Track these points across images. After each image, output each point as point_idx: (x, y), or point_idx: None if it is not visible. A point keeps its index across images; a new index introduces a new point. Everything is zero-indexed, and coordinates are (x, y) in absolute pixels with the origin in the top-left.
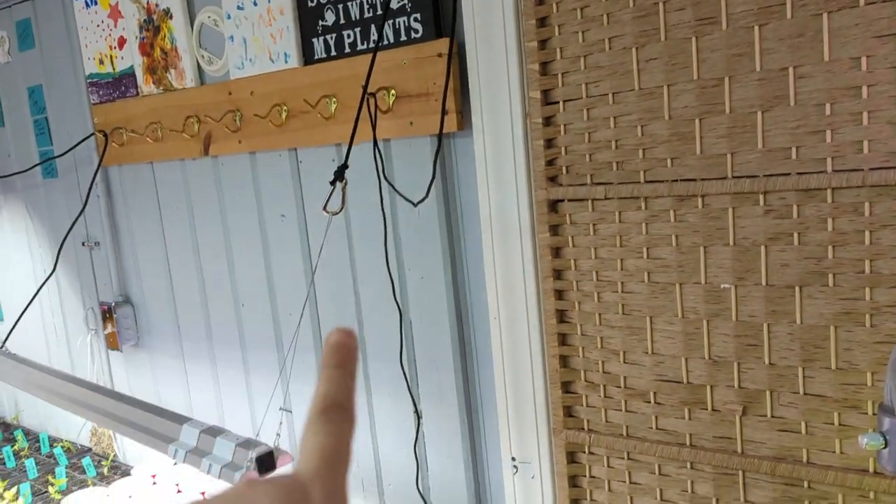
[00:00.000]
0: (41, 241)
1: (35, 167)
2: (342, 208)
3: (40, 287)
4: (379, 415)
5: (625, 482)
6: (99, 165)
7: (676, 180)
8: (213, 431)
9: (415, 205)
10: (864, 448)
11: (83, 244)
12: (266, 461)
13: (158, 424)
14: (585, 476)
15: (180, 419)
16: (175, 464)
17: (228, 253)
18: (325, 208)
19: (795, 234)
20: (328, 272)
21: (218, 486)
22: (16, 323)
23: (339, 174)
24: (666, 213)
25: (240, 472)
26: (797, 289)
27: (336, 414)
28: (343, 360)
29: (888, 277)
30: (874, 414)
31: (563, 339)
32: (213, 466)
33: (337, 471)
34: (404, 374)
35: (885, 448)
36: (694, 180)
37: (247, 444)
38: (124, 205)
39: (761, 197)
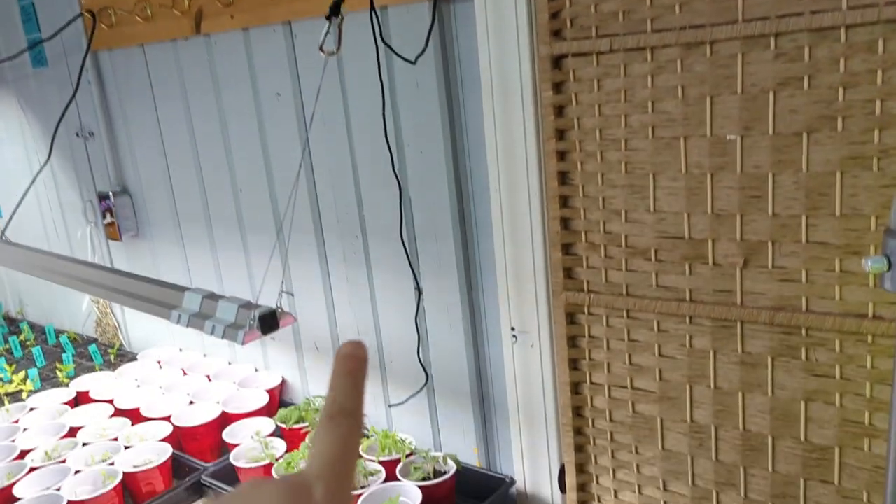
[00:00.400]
0: (35, 132)
1: (23, 54)
2: (339, 48)
3: (35, 176)
4: (380, 291)
5: (623, 340)
6: (88, 49)
7: (685, 27)
8: (215, 297)
9: (413, 62)
10: (868, 271)
11: (77, 135)
12: (269, 320)
13: (161, 294)
14: (584, 336)
15: (182, 288)
16: (180, 350)
17: (225, 137)
18: (321, 48)
19: (806, 78)
20: (326, 151)
21: (223, 368)
22: (14, 211)
23: (335, 9)
24: (673, 63)
25: (242, 332)
26: (805, 135)
27: (343, 420)
28: (353, 369)
29: None
30: None
31: (564, 202)
32: (216, 327)
33: (341, 473)
34: (405, 248)
35: (888, 271)
36: (703, 26)
37: (249, 305)
38: (117, 92)
39: (772, 40)
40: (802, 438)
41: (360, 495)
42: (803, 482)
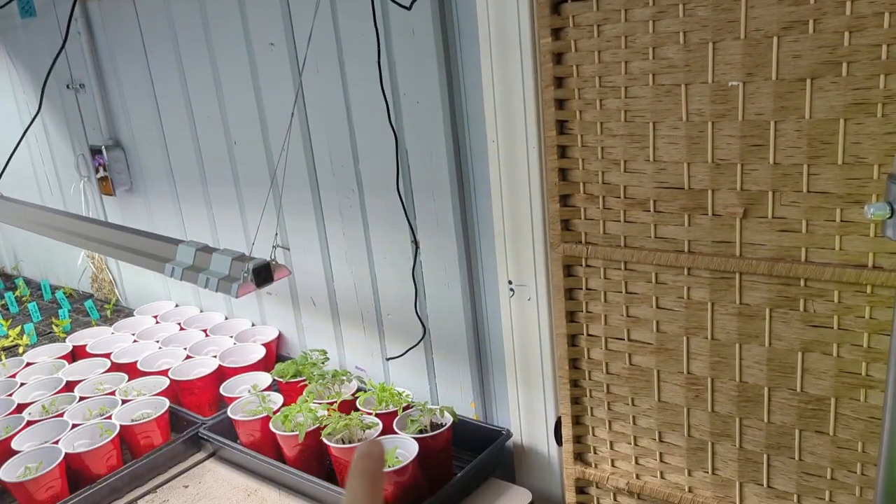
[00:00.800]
0: (24, 84)
1: (10, 3)
2: None
3: (27, 128)
4: (376, 245)
5: (621, 292)
6: None
7: None
8: (209, 249)
9: (408, 7)
10: (870, 217)
11: (68, 87)
12: (263, 273)
13: (154, 247)
14: (582, 289)
15: (175, 241)
16: (177, 306)
17: (218, 89)
18: None
19: (811, 22)
20: (320, 102)
21: (220, 323)
22: (6, 164)
23: None
24: (675, 7)
25: (236, 284)
26: (808, 81)
27: None
28: (369, 470)
29: None
30: None
31: (562, 152)
32: (210, 280)
33: None
34: (401, 202)
35: (890, 217)
36: None
37: (243, 257)
38: (107, 42)
39: None
40: (798, 389)
41: (355, 447)
42: (798, 433)
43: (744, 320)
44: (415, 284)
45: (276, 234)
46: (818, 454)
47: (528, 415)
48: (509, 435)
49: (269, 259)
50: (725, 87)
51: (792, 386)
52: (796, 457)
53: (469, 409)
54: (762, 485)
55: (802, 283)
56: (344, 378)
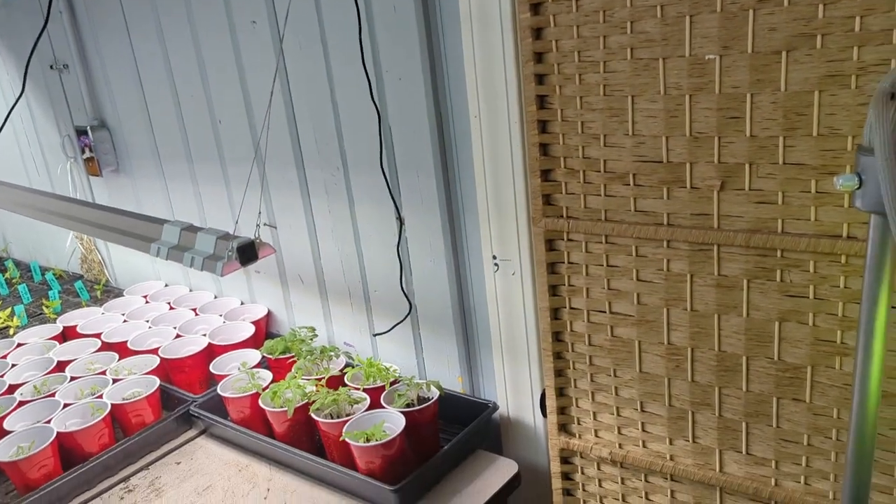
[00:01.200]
0: (8, 66)
1: None
2: None
3: (10, 110)
4: (362, 222)
5: (602, 265)
6: None
7: None
8: (194, 229)
9: None
10: (839, 188)
11: (51, 67)
12: (247, 251)
13: (140, 227)
14: (564, 262)
15: (161, 221)
16: (166, 285)
17: (201, 67)
18: None
19: None
20: (304, 80)
21: (209, 301)
22: None
23: None
24: None
25: (221, 263)
26: (783, 54)
27: None
28: None
29: (877, 34)
30: None
31: (543, 127)
32: (195, 259)
33: None
34: (385, 179)
35: (859, 188)
36: None
37: (227, 236)
38: (89, 22)
39: None
40: (776, 358)
41: (344, 422)
42: (776, 400)
43: (722, 291)
44: (400, 261)
45: (260, 213)
46: (795, 421)
47: (514, 387)
48: (495, 408)
49: (253, 237)
50: (702, 61)
51: (769, 355)
52: (774, 424)
53: (456, 383)
54: (741, 452)
55: (779, 253)
56: (332, 354)
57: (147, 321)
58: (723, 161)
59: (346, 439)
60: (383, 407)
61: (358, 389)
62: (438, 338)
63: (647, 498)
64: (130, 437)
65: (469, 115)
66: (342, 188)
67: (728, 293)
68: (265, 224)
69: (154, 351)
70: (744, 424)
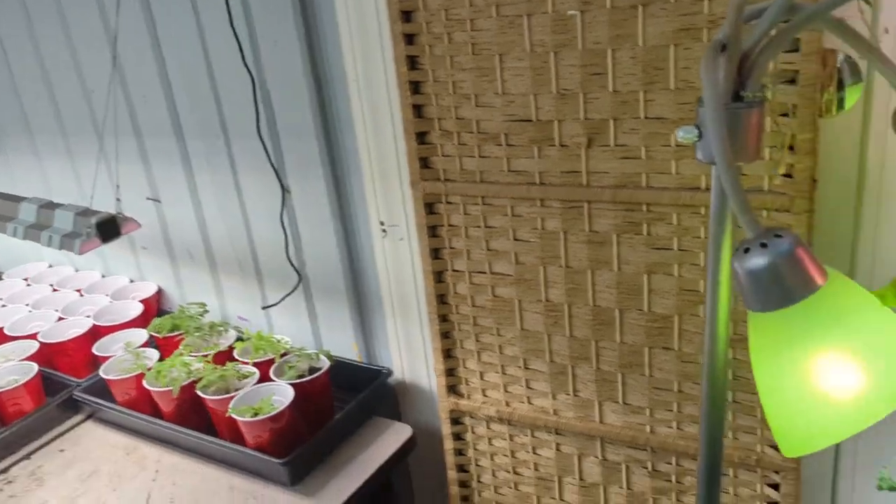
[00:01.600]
0: None
1: None
2: None
3: None
4: (248, 193)
5: (480, 227)
6: None
7: None
8: (52, 206)
9: None
10: (681, 140)
11: None
12: (108, 227)
13: None
14: (444, 226)
15: (17, 198)
16: (49, 266)
17: (67, 34)
18: None
19: None
20: (176, 48)
21: (96, 281)
22: None
23: None
24: None
25: (79, 240)
26: (640, 8)
27: None
28: None
29: None
30: None
31: (415, 88)
32: (52, 238)
33: None
34: (264, 146)
35: (699, 140)
36: None
37: (87, 212)
38: None
39: None
40: (646, 309)
41: (231, 397)
42: (648, 350)
43: (594, 247)
44: (284, 231)
45: (118, 186)
46: (666, 369)
47: (409, 352)
48: (389, 373)
49: (114, 213)
50: (565, 17)
51: (640, 307)
52: (647, 373)
53: (352, 352)
54: (619, 402)
55: (645, 208)
56: (221, 329)
57: (27, 305)
58: (589, 118)
59: (233, 415)
60: (273, 380)
61: (247, 364)
62: (332, 307)
63: (534, 452)
64: (8, 426)
65: (347, 77)
66: (224, 157)
67: (600, 249)
68: (148, 198)
69: (34, 336)
70: (620, 375)
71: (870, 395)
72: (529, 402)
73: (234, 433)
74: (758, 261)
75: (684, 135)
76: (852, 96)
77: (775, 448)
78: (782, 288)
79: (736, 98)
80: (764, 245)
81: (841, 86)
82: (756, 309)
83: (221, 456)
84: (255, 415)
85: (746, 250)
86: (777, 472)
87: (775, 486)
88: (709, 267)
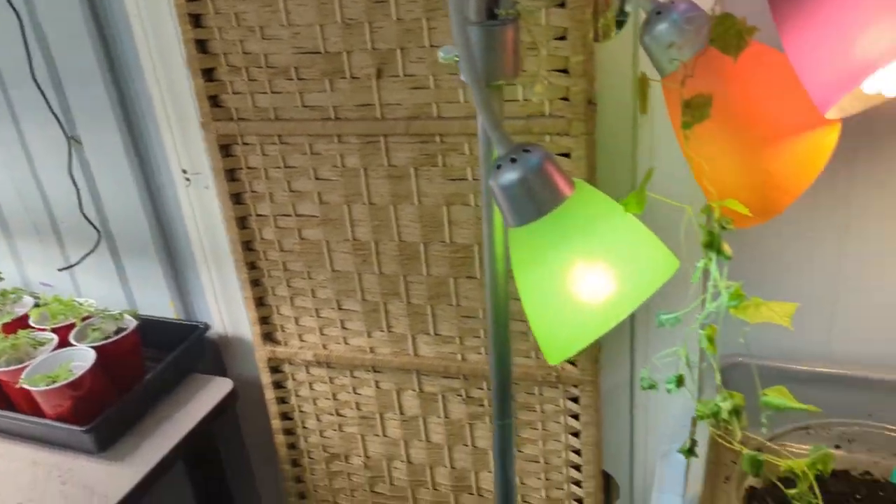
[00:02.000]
0: None
1: None
2: None
3: None
4: (34, 146)
5: (280, 168)
6: None
7: None
8: None
9: None
10: (441, 61)
11: None
12: None
13: None
14: (242, 168)
15: None
16: None
17: None
18: None
19: None
20: None
21: None
22: None
23: None
24: None
25: None
26: None
27: None
28: None
29: None
30: None
31: (196, 21)
32: None
33: None
34: (42, 94)
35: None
36: None
37: None
38: None
39: None
40: (448, 241)
41: (24, 367)
42: (453, 281)
43: (394, 182)
44: (75, 185)
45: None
46: (471, 297)
47: (227, 305)
48: (206, 328)
49: None
50: None
51: (442, 239)
52: (454, 303)
53: (169, 309)
54: (430, 334)
55: (438, 139)
56: (14, 297)
57: None
58: (376, 48)
59: (24, 385)
60: (73, 345)
61: (44, 330)
62: (142, 264)
63: (355, 392)
64: None
65: (129, 13)
66: (3, 107)
67: (400, 183)
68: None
69: None
70: (429, 308)
71: (616, 297)
72: (346, 343)
73: (33, 405)
74: (509, 176)
75: (444, 55)
76: (630, 20)
77: (574, 364)
78: (534, 201)
79: (491, 16)
80: (514, 160)
81: (622, 11)
82: (513, 224)
83: (20, 430)
84: (53, 382)
85: (499, 167)
86: (576, 386)
87: (575, 399)
88: (483, 191)
